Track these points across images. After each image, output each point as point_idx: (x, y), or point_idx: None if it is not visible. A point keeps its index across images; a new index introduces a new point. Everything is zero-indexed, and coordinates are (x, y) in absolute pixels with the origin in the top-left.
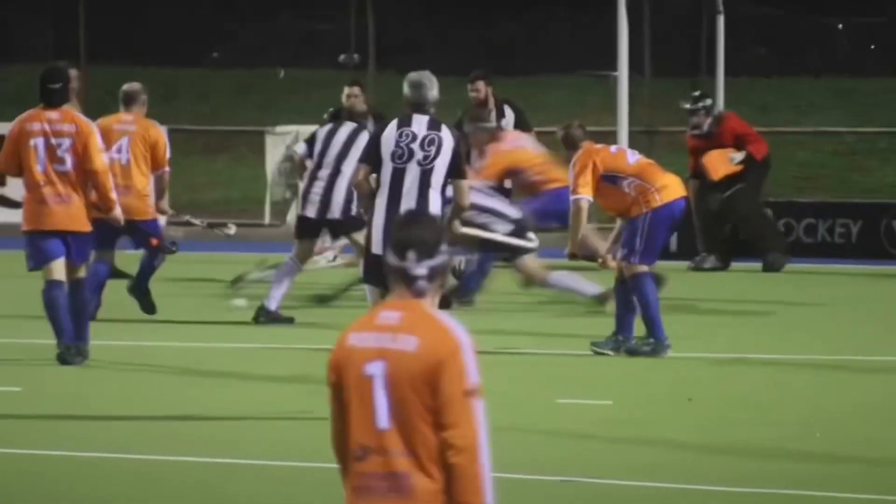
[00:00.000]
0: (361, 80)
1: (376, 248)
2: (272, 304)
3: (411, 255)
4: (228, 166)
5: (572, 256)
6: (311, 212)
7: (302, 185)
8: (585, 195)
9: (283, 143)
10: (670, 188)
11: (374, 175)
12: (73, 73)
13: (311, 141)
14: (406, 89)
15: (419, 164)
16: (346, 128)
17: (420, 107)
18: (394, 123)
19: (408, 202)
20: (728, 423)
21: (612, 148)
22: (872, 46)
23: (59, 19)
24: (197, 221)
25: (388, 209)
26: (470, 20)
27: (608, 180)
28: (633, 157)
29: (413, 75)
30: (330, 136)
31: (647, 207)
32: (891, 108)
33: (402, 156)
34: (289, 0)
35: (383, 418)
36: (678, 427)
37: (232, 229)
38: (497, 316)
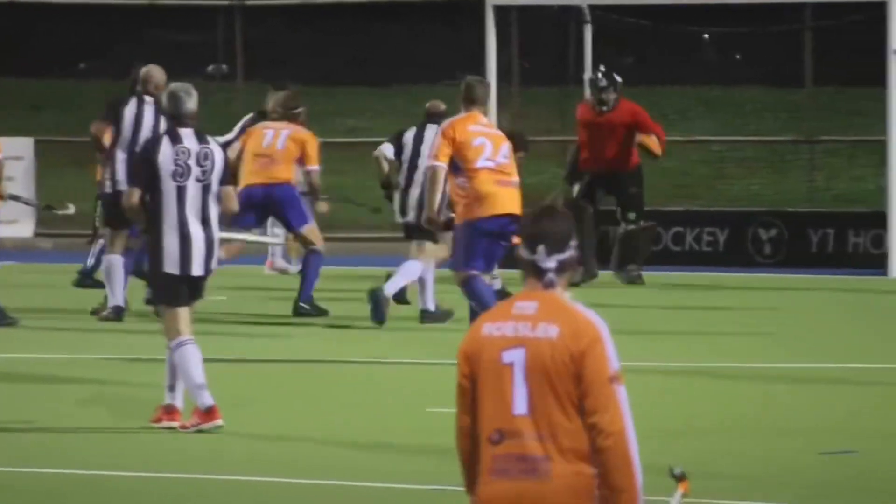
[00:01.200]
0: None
1: (171, 267)
2: (430, 305)
3: (541, 248)
4: (94, 179)
5: (430, 222)
6: (413, 217)
7: (398, 190)
8: (440, 163)
9: None
10: (495, 203)
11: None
12: None
13: (395, 142)
14: (165, 101)
15: (198, 180)
16: (431, 130)
17: (181, 119)
18: (166, 140)
19: (193, 219)
20: None
21: (478, 140)
22: (738, 56)
23: None
24: (33, 202)
25: (180, 228)
26: (336, 31)
27: (452, 167)
28: (487, 161)
29: (172, 86)
30: (418, 139)
31: (466, 216)
32: (757, 118)
33: (182, 174)
34: (157, 12)
35: (521, 404)
36: None
37: (70, 209)
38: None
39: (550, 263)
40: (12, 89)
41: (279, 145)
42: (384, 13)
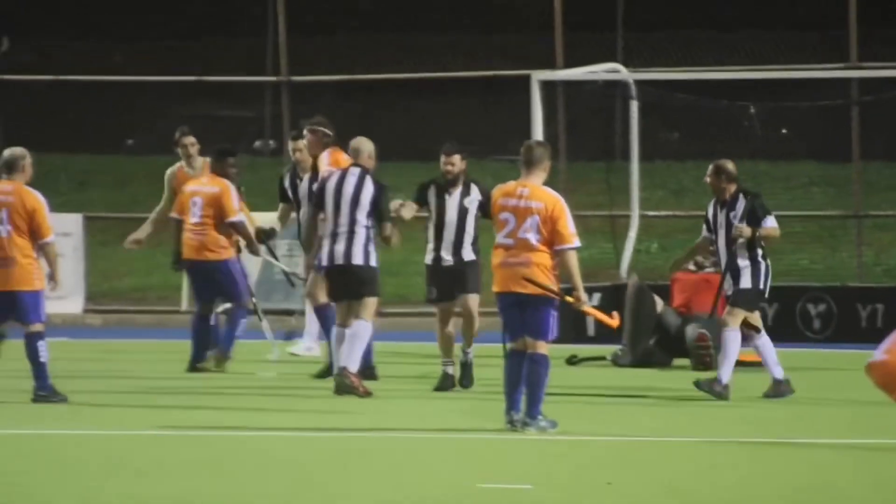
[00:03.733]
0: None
1: None
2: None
3: None
4: (145, 253)
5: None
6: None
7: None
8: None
9: None
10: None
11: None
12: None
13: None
14: None
15: None
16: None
17: None
18: None
19: None
20: None
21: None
22: (784, 130)
23: None
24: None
25: None
26: (383, 106)
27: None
28: (506, 228)
29: None
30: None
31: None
32: (804, 192)
33: None
34: (203, 88)
35: None
36: None
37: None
38: (411, 397)
39: None
40: (60, 166)
41: None
42: (432, 88)
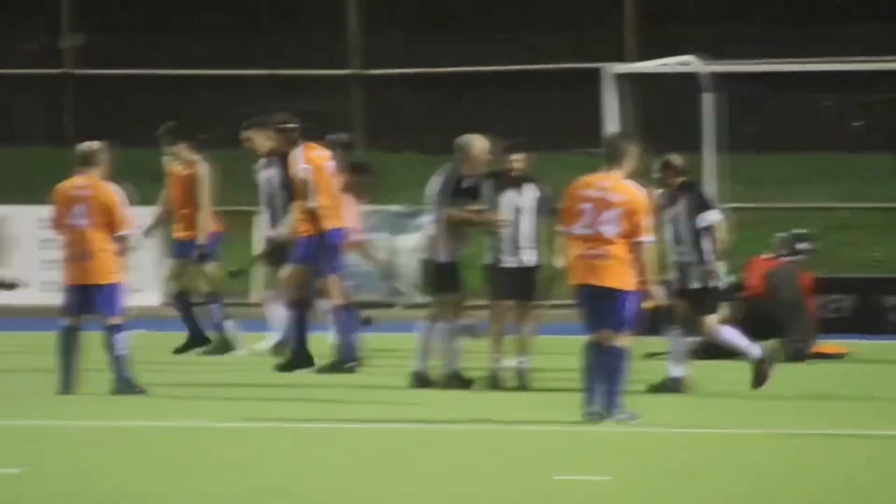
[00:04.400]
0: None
1: None
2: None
3: None
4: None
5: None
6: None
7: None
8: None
9: None
10: None
11: None
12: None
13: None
14: None
15: None
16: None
17: None
18: None
19: None
20: (729, 500)
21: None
22: (858, 122)
23: (50, 105)
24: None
25: None
26: (458, 99)
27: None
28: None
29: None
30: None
31: None
32: (880, 184)
33: None
34: (278, 82)
35: None
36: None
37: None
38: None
39: None
40: (136, 160)
41: None
42: (507, 81)
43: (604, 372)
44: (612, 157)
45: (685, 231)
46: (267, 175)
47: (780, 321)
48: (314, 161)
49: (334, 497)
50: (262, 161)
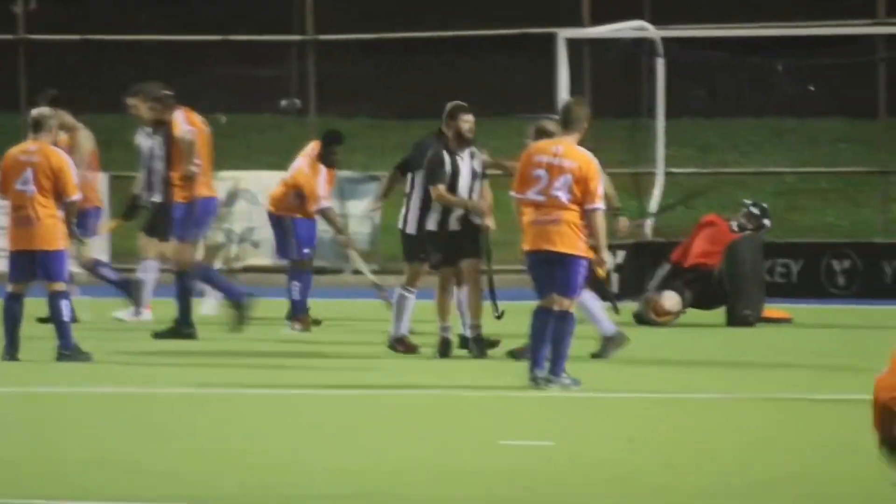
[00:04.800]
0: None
1: None
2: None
3: None
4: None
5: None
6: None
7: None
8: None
9: (224, 188)
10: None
11: None
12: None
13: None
14: None
15: None
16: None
17: None
18: None
19: None
20: (670, 465)
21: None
22: (811, 87)
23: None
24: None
25: None
26: (408, 65)
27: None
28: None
29: None
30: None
31: None
32: (831, 149)
33: None
34: (229, 47)
35: None
36: (621, 468)
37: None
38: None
39: None
40: (91, 126)
41: None
42: (456, 47)
43: (552, 337)
44: (566, 123)
45: None
46: (149, 143)
47: (733, 289)
48: (196, 124)
49: (278, 462)
50: (147, 129)
